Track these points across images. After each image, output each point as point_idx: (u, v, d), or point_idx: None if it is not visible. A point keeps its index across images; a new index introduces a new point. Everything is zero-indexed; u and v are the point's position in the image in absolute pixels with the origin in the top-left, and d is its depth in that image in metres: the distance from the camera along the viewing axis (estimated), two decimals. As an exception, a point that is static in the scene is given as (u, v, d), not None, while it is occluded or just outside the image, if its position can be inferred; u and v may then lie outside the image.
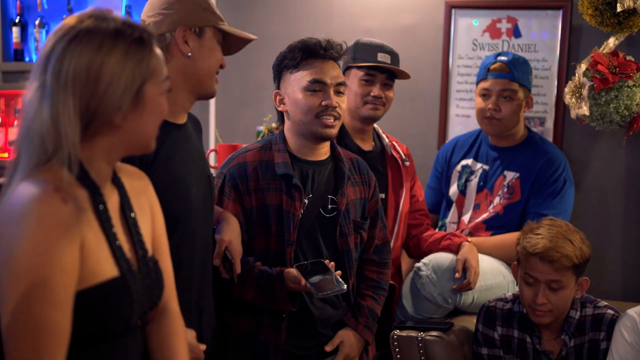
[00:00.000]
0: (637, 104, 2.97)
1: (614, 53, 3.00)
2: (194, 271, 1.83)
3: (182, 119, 1.89)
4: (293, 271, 2.06)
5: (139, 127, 1.35)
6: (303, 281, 2.01)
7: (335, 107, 2.19)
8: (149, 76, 1.34)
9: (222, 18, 1.91)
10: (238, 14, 3.82)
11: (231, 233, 2.00)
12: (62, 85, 1.25)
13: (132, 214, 1.45)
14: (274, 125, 3.53)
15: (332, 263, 2.08)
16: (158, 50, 1.38)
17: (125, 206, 1.44)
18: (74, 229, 1.24)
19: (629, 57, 3.00)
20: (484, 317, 2.46)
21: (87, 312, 1.27)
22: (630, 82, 2.96)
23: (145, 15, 1.88)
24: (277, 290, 2.09)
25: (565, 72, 3.33)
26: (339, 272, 2.06)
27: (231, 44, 1.97)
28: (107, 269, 1.33)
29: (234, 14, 3.77)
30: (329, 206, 2.25)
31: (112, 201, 1.40)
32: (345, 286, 1.99)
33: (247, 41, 1.99)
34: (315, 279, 2.00)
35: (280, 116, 2.32)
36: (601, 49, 3.06)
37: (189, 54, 1.83)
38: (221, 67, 1.93)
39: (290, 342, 2.22)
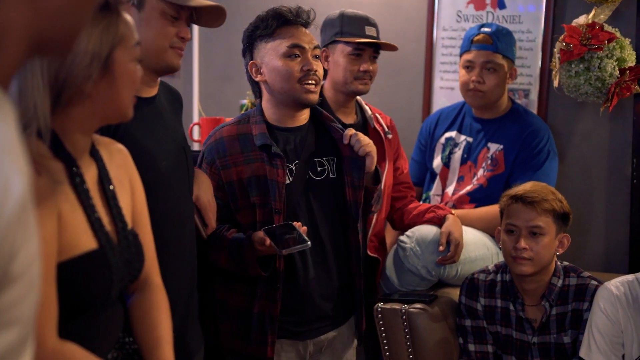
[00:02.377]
0: (610, 75, 2.96)
1: (591, 24, 2.98)
2: (168, 245, 1.80)
3: (148, 92, 1.85)
4: (259, 233, 2.06)
5: (112, 95, 1.33)
6: (267, 240, 2.00)
7: (316, 71, 2.18)
8: (118, 42, 1.32)
9: None
10: (220, -14, 3.77)
11: (197, 189, 2.00)
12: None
13: (111, 187, 1.43)
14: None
15: (299, 223, 2.08)
16: (127, 16, 1.35)
17: (104, 179, 1.42)
18: (50, 200, 1.23)
19: (607, 28, 2.98)
20: (466, 289, 2.48)
21: (66, 284, 1.26)
22: (602, 54, 2.94)
23: None
24: (246, 253, 2.08)
25: (550, 44, 3.32)
26: (304, 228, 2.07)
27: (200, 15, 1.90)
28: (85, 242, 1.32)
29: (216, -15, 3.72)
30: (318, 169, 2.25)
31: (90, 173, 1.39)
32: (309, 242, 2.00)
33: (210, 10, 1.89)
34: (281, 238, 2.01)
35: (257, 89, 2.29)
36: (579, 19, 3.05)
37: None
38: (182, 39, 1.85)
39: (287, 318, 2.20)
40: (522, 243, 2.28)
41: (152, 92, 1.87)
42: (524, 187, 2.36)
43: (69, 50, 0.78)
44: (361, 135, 2.24)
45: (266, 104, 2.26)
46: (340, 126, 2.30)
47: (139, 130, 1.77)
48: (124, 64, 1.33)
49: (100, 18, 1.29)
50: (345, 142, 2.23)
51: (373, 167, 2.25)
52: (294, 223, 2.07)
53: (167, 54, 1.83)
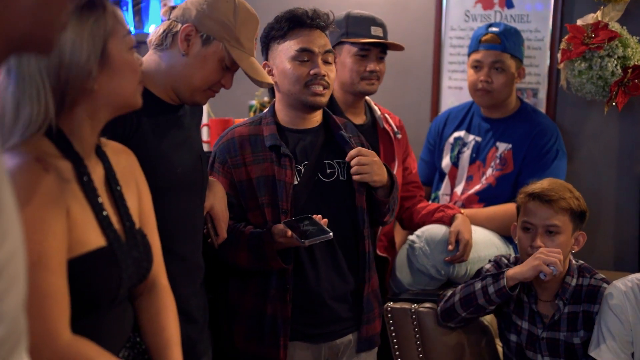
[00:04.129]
0: (612, 74, 2.95)
1: (595, 23, 2.98)
2: (176, 249, 1.82)
3: (173, 101, 1.87)
4: (279, 226, 2.06)
5: (115, 87, 1.36)
6: (289, 232, 2.00)
7: (324, 76, 2.17)
8: (109, 34, 1.34)
9: (241, 45, 1.84)
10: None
11: (212, 198, 2.01)
12: (26, 65, 1.26)
13: (118, 187, 1.45)
14: (266, 99, 3.51)
15: (319, 216, 2.07)
16: (113, 8, 1.37)
17: (111, 179, 1.44)
18: (59, 196, 1.26)
19: (613, 27, 2.97)
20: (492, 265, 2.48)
21: (75, 281, 1.28)
22: (602, 52, 2.94)
23: (190, 1, 1.86)
24: (266, 246, 2.08)
25: (558, 43, 3.32)
26: (325, 220, 2.06)
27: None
28: (94, 239, 1.33)
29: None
30: (328, 170, 2.25)
31: (97, 174, 1.41)
32: (331, 233, 1.98)
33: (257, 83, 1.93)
34: (302, 229, 2.00)
35: (271, 89, 2.31)
36: (585, 18, 3.04)
37: (184, 52, 1.80)
38: (223, 87, 1.88)
39: (300, 319, 2.19)
40: (538, 241, 2.27)
41: (177, 101, 1.88)
42: (542, 185, 2.34)
43: (51, 47, 0.78)
44: (363, 158, 2.19)
45: (278, 104, 2.27)
46: (347, 135, 2.29)
47: (158, 135, 1.79)
48: (120, 54, 1.36)
49: (88, 15, 1.32)
50: (347, 159, 2.20)
51: (359, 186, 2.23)
52: (314, 216, 2.07)
53: (199, 93, 1.85)
